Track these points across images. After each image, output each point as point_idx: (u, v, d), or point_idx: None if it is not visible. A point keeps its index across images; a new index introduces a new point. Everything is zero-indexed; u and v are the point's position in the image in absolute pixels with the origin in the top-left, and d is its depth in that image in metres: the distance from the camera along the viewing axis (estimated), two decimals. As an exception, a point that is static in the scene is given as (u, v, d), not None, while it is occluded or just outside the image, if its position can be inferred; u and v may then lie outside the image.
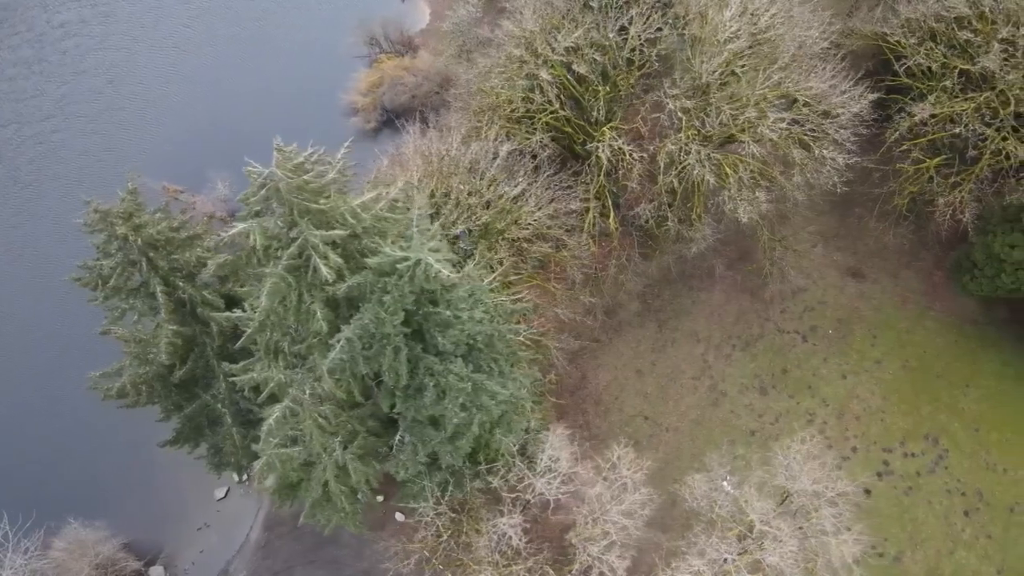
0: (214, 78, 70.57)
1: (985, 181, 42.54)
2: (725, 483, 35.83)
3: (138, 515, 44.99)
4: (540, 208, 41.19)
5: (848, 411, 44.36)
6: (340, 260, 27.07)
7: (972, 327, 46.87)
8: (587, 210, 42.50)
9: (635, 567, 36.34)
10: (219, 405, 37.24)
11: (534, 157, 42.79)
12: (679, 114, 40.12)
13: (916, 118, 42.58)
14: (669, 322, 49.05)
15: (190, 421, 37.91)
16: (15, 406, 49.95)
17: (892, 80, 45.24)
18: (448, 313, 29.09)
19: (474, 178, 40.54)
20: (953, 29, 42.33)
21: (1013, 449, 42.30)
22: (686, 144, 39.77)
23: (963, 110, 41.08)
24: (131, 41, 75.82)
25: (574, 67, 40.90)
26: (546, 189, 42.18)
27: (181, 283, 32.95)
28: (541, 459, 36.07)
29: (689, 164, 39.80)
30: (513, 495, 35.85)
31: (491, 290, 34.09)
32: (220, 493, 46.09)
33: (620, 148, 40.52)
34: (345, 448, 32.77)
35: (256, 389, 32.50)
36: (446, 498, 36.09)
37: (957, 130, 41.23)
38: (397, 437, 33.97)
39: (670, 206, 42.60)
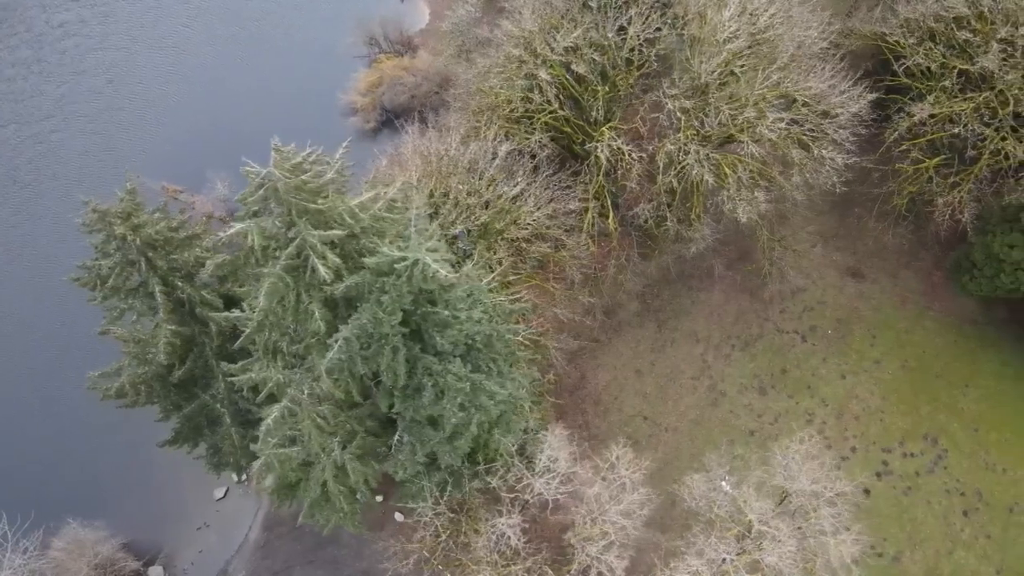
0: (213, 78, 70.55)
1: (984, 181, 42.65)
2: (724, 483, 35.83)
3: (137, 515, 44.99)
4: (539, 208, 41.19)
5: (847, 411, 44.36)
6: (338, 260, 27.05)
7: (971, 327, 46.89)
8: (586, 210, 42.48)
9: (634, 567, 36.32)
10: (218, 405, 37.22)
11: (533, 157, 42.79)
12: (678, 114, 40.11)
13: (915, 118, 42.62)
14: (668, 322, 49.03)
15: (189, 421, 37.88)
16: (14, 406, 49.96)
17: (891, 80, 45.27)
18: (446, 313, 29.11)
19: (473, 178, 40.52)
20: (952, 29, 42.37)
21: (1012, 449, 42.32)
22: (685, 144, 39.75)
23: (962, 110, 41.10)
24: (130, 41, 75.78)
25: (573, 67, 40.90)
26: (545, 189, 42.18)
27: (180, 283, 32.93)
28: (540, 459, 36.07)
29: (688, 164, 39.78)
30: (512, 495, 35.86)
31: (490, 290, 34.09)
32: (219, 493, 46.10)
33: (619, 148, 40.52)
34: (344, 448, 32.78)
35: (255, 389, 32.45)
36: (445, 498, 36.13)
37: (956, 130, 41.28)
38: (396, 437, 33.96)
39: (669, 206, 42.60)
